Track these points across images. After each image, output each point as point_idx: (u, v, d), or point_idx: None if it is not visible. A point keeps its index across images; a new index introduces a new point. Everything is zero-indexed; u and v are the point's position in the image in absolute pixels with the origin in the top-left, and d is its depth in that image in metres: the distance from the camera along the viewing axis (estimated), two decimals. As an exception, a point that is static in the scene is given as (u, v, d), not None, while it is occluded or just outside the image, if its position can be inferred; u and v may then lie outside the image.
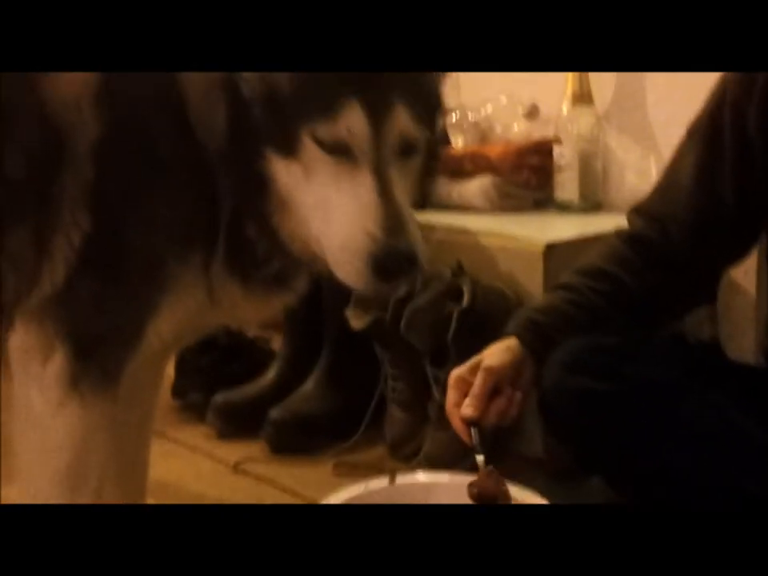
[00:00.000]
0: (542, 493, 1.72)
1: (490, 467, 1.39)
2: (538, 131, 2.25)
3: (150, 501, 1.85)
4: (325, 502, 1.42)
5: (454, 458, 1.83)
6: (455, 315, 1.80)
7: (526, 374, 1.48)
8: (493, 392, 1.45)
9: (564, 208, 2.18)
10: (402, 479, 1.47)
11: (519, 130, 2.31)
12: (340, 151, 1.07)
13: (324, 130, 1.06)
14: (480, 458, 1.40)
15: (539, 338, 1.49)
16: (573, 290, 1.54)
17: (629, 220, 1.59)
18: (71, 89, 1.11)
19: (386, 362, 1.97)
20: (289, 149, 1.09)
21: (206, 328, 1.28)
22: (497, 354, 1.49)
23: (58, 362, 1.14)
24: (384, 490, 1.47)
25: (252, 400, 2.16)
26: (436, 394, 1.85)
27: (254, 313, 1.25)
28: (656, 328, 1.60)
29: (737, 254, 1.58)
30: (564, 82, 2.18)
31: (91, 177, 1.11)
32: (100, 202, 1.11)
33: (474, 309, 1.79)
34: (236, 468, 2.00)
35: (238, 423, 2.14)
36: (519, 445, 1.93)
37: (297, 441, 2.04)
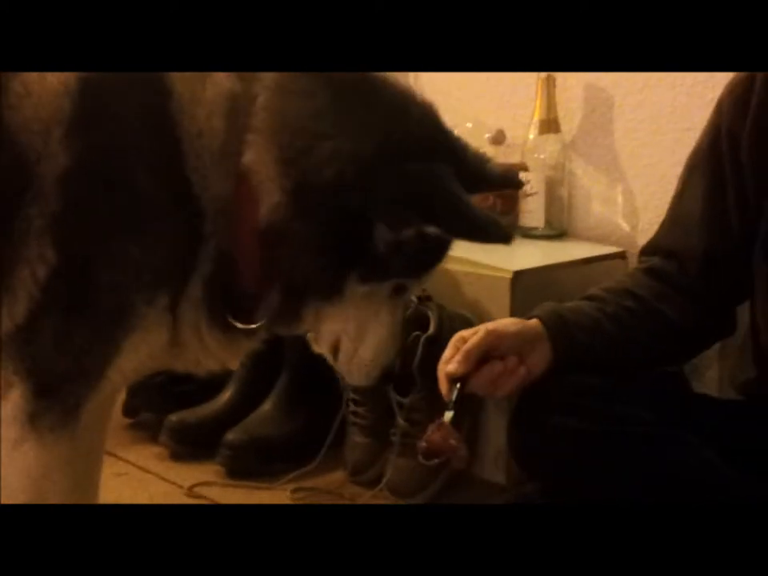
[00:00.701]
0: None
1: (440, 420, 1.34)
2: (504, 157, 2.24)
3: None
4: None
5: (416, 486, 1.81)
6: (421, 342, 1.78)
7: (538, 355, 1.43)
8: (490, 358, 1.40)
9: (529, 235, 2.16)
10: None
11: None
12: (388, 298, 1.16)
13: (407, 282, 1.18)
14: (448, 415, 1.35)
15: (562, 331, 1.44)
16: (600, 301, 1.50)
17: (642, 261, 1.57)
18: (40, 114, 1.04)
19: (347, 386, 1.93)
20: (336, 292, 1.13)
21: (168, 366, 1.23)
22: (507, 321, 1.45)
23: (15, 400, 1.08)
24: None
25: (207, 421, 2.10)
26: (400, 419, 1.82)
27: (221, 356, 1.19)
28: (681, 361, 1.58)
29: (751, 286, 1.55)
30: (531, 109, 2.17)
31: (58, 209, 1.04)
32: (67, 236, 1.05)
33: (440, 336, 1.77)
34: (190, 492, 1.94)
35: (192, 445, 2.08)
36: (481, 470, 1.90)
37: (254, 465, 1.98)
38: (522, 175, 2.14)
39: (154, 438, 2.15)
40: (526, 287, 1.87)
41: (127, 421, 2.29)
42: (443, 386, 1.40)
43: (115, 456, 2.12)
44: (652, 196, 2.09)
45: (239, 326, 1.14)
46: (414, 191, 1.06)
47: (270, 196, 1.07)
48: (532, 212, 2.16)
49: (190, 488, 1.95)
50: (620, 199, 2.15)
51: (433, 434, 1.34)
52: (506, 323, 1.46)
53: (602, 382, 1.46)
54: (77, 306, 1.07)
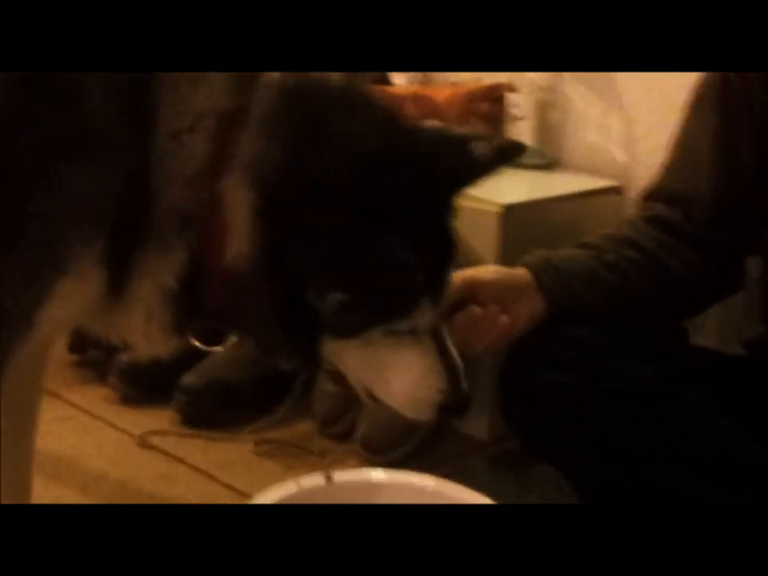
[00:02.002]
0: (485, 479, 1.60)
1: None
2: (491, 76, 2.07)
3: (42, 478, 1.62)
4: (255, 501, 1.23)
5: (392, 442, 1.67)
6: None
7: (524, 306, 1.30)
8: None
9: (517, 164, 1.99)
10: (340, 477, 1.29)
11: (469, 74, 2.11)
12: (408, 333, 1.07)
13: (398, 325, 1.05)
14: None
15: (555, 279, 1.32)
16: (597, 249, 1.36)
17: (644, 208, 1.43)
18: None
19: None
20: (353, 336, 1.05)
21: (102, 331, 1.08)
22: (488, 269, 1.34)
23: None
24: (320, 489, 1.29)
25: (161, 362, 1.92)
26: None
27: (157, 348, 1.07)
28: (684, 317, 1.45)
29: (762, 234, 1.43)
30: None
31: None
32: (4, 160, 0.92)
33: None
34: (142, 441, 1.77)
35: (145, 388, 1.91)
36: (463, 425, 1.79)
37: (212, 412, 1.83)
38: (510, 96, 2.03)
39: (102, 378, 1.98)
40: (516, 223, 1.74)
41: (73, 358, 2.10)
42: None
43: (59, 397, 1.95)
44: (653, 124, 1.94)
45: (195, 343, 1.07)
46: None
47: (239, 244, 0.99)
48: (520, 138, 1.98)
49: (142, 436, 1.78)
50: (617, 127, 2.01)
51: None
52: (486, 270, 1.35)
53: (596, 334, 1.34)
54: (5, 236, 0.94)
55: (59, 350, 2.11)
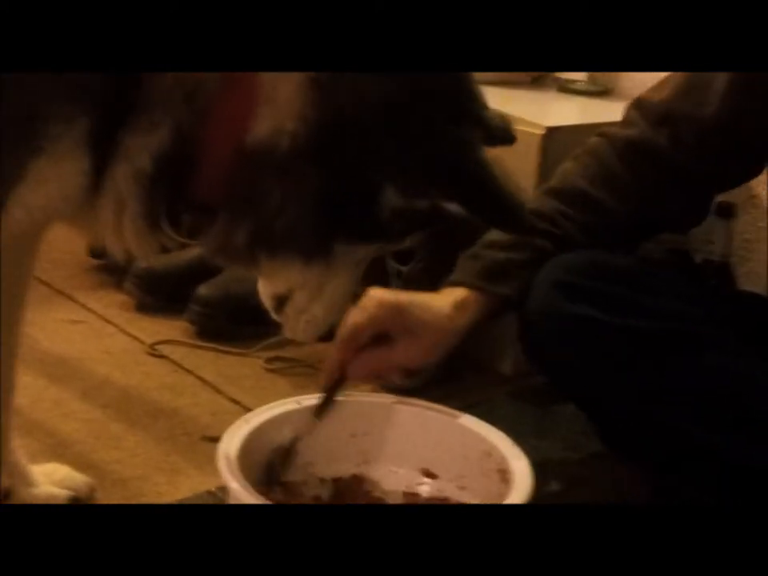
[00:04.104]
0: (505, 413, 1.52)
1: None
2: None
3: (44, 379, 1.57)
4: (252, 415, 1.18)
5: (408, 368, 1.58)
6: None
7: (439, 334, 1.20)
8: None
9: (567, 89, 1.90)
10: (341, 398, 1.22)
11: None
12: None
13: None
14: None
15: (483, 273, 1.22)
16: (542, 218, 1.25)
17: (628, 118, 1.31)
18: None
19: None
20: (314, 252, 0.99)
21: (79, 227, 1.00)
22: (412, 299, 1.20)
23: None
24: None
25: (178, 271, 1.86)
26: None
27: (132, 244, 0.96)
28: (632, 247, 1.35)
29: (753, 171, 1.33)
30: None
31: None
32: None
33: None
34: (152, 349, 1.71)
35: (161, 297, 1.85)
36: (487, 358, 1.72)
37: (226, 325, 1.76)
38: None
39: (120, 285, 1.92)
40: (558, 147, 1.62)
41: (93, 263, 2.04)
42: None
43: (74, 301, 1.89)
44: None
45: (170, 233, 0.94)
46: (439, 160, 0.94)
47: (282, 119, 0.90)
48: (573, 62, 1.87)
49: (152, 345, 1.71)
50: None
51: None
52: (410, 301, 1.20)
53: (633, 268, 1.26)
54: None
55: (79, 254, 2.05)
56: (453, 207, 0.98)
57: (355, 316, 1.15)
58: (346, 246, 0.98)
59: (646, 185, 1.27)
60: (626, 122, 1.31)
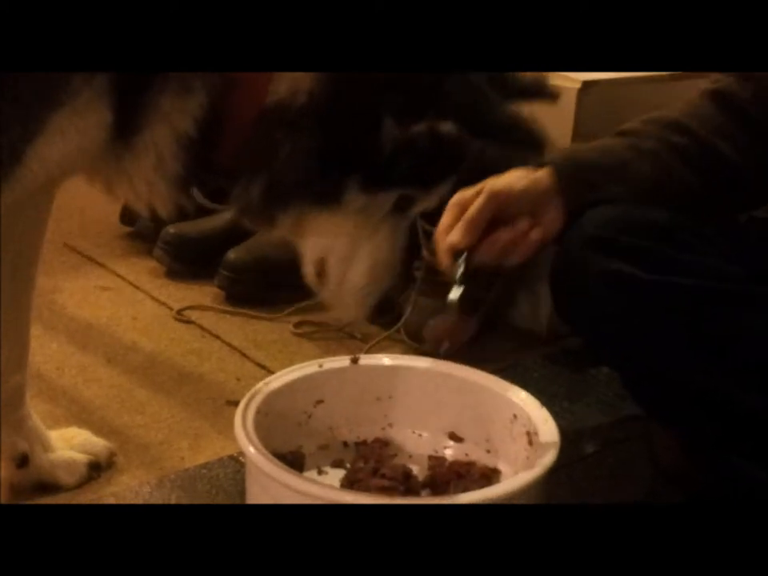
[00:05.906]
0: (538, 376, 1.48)
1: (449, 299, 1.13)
2: None
3: (69, 345, 1.56)
4: (274, 378, 1.18)
5: (438, 331, 1.53)
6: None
7: (552, 211, 1.17)
8: (497, 221, 1.15)
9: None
10: (366, 360, 1.19)
11: None
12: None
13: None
14: (455, 293, 1.13)
15: (579, 177, 1.17)
16: (635, 135, 1.20)
17: (714, 79, 1.25)
18: None
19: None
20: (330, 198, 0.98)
21: (106, 176, 0.98)
22: (511, 178, 1.18)
23: None
24: (342, 371, 1.19)
25: (208, 236, 1.83)
26: (425, 252, 1.53)
27: (156, 201, 0.97)
28: (734, 211, 1.28)
29: None
30: None
31: None
32: None
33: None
34: (179, 315, 1.68)
35: (190, 262, 1.82)
36: (521, 319, 1.67)
37: (255, 290, 1.73)
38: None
39: (151, 252, 1.89)
40: (595, 103, 1.57)
41: (124, 229, 2.02)
42: (444, 260, 1.16)
43: (104, 267, 1.87)
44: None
45: (197, 196, 1.00)
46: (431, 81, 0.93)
47: (299, 78, 0.92)
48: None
49: (180, 311, 1.69)
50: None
51: (438, 322, 1.21)
52: (512, 181, 1.18)
53: (671, 223, 1.18)
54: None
55: (110, 222, 2.04)
56: (448, 126, 0.95)
57: (474, 202, 1.14)
58: (360, 193, 0.96)
59: (736, 127, 1.20)
60: (712, 79, 1.25)
